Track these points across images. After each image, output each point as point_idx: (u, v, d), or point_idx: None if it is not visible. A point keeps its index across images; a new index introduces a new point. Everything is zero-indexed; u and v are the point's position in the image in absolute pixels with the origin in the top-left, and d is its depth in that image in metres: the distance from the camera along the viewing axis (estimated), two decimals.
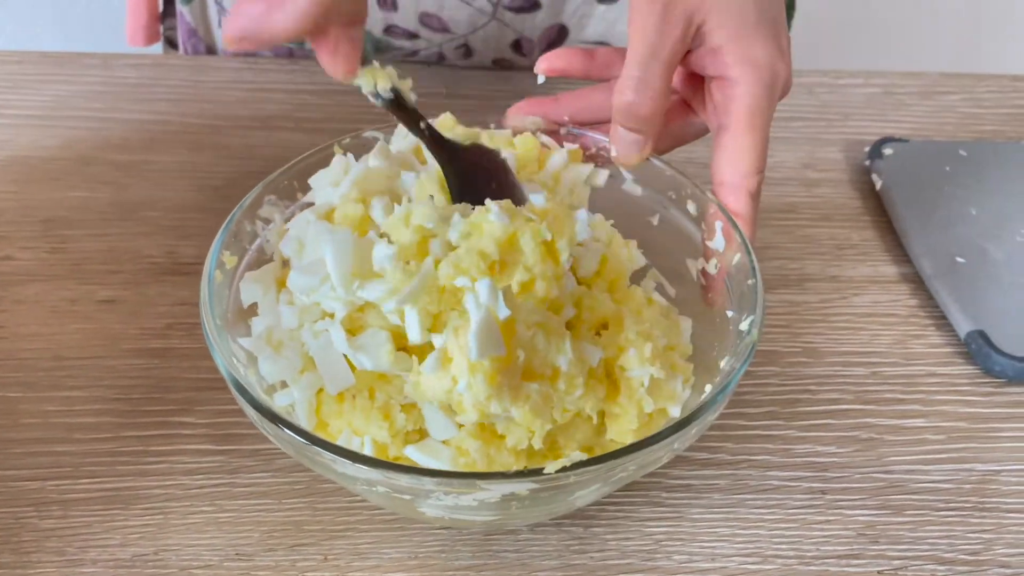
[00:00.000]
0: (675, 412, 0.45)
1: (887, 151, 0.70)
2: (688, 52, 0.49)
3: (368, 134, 0.53)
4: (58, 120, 0.71)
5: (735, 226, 0.48)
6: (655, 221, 0.53)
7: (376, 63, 0.47)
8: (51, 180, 0.66)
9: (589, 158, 0.53)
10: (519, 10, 0.73)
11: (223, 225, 0.47)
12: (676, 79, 0.53)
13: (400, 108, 0.48)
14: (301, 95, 0.75)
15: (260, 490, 0.50)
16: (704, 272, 0.50)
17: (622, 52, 0.49)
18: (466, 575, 0.47)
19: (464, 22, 0.74)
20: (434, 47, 0.77)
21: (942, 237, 0.63)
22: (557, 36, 0.76)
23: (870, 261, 0.64)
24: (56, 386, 0.54)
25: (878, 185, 0.68)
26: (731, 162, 0.49)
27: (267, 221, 0.50)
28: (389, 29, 0.75)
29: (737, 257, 0.48)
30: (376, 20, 0.75)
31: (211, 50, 0.82)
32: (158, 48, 0.87)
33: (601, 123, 0.52)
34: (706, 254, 0.50)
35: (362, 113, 0.73)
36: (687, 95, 0.53)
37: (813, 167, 0.71)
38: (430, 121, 0.49)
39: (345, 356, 0.44)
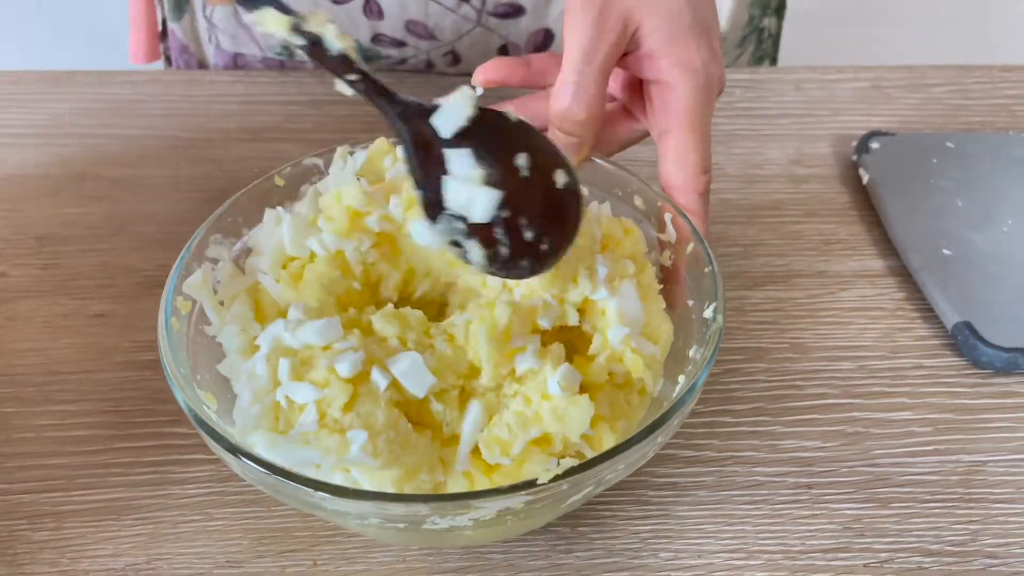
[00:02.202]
0: (652, 348, 0.45)
1: (874, 145, 0.70)
2: (624, 55, 0.50)
3: (308, 161, 0.53)
4: (52, 138, 0.72)
5: (684, 217, 0.49)
6: None
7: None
8: (44, 197, 0.67)
9: None
10: (504, 16, 0.74)
11: (172, 272, 0.47)
12: (615, 85, 0.54)
13: (322, 57, 0.40)
14: (291, 106, 0.76)
15: (249, 498, 0.50)
16: (660, 265, 0.51)
17: (558, 58, 0.50)
18: None
19: (449, 28, 0.74)
20: (422, 55, 0.77)
21: (929, 229, 0.63)
22: (543, 40, 0.76)
23: (857, 255, 0.64)
24: (49, 400, 0.55)
25: (865, 179, 0.68)
26: (678, 165, 0.50)
27: (215, 261, 0.49)
28: (376, 38, 0.76)
29: (691, 247, 0.49)
30: (363, 29, 0.75)
31: (202, 65, 0.83)
32: (159, 65, 0.88)
33: (541, 130, 0.53)
34: (659, 247, 0.51)
35: (351, 123, 0.74)
36: (627, 101, 0.54)
37: (801, 163, 0.72)
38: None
39: None
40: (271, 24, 0.38)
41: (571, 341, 0.47)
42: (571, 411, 0.43)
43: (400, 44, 0.76)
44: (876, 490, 0.51)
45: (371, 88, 0.41)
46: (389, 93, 0.41)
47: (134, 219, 0.66)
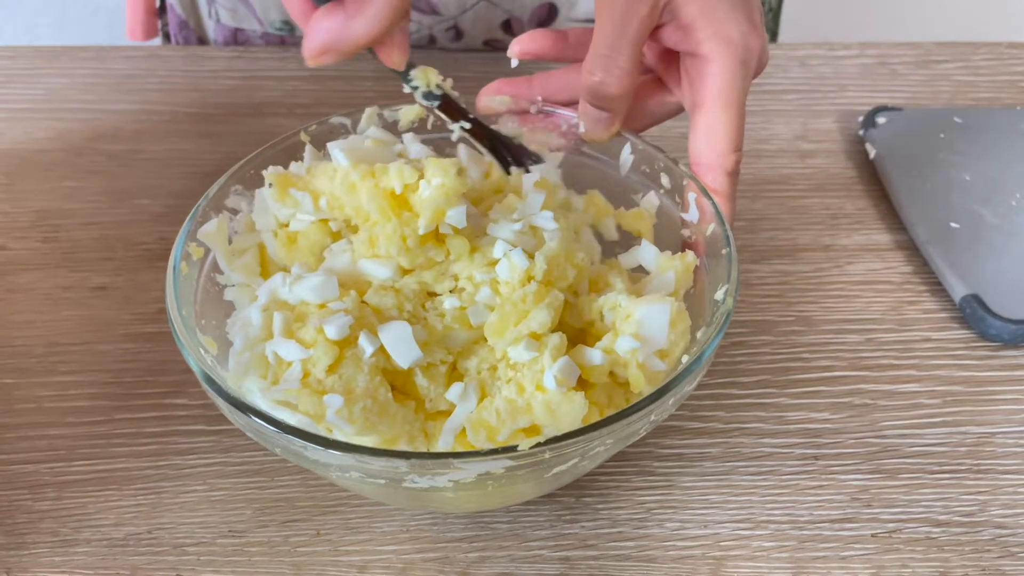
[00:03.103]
0: (660, 366, 0.44)
1: (881, 120, 0.69)
2: (659, 27, 0.48)
3: (335, 120, 0.52)
4: (51, 112, 0.72)
5: (708, 196, 0.48)
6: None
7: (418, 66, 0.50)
8: (44, 171, 0.67)
9: (562, 135, 0.52)
10: None
11: (188, 216, 0.46)
12: (650, 56, 0.52)
13: (448, 105, 0.50)
14: (292, 81, 0.75)
15: (253, 468, 0.50)
16: (684, 244, 0.50)
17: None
18: (458, 547, 0.47)
19: (453, 3, 0.74)
20: (424, 30, 0.77)
21: (936, 203, 0.63)
22: (547, 15, 0.76)
23: (864, 230, 0.64)
24: (50, 372, 0.54)
25: (872, 154, 0.67)
26: (708, 141, 0.48)
27: (234, 211, 0.48)
28: None
29: (711, 228, 0.47)
30: None
31: (202, 40, 0.82)
32: (157, 42, 0.87)
33: (574, 103, 0.52)
34: (682, 226, 0.50)
35: (351, 97, 0.74)
36: (661, 72, 0.52)
37: (807, 138, 0.71)
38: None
39: None
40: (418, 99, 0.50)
41: (584, 328, 0.46)
42: (564, 407, 0.42)
43: None
44: (884, 461, 0.50)
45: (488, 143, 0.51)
46: (503, 147, 0.51)
47: (133, 193, 0.65)
